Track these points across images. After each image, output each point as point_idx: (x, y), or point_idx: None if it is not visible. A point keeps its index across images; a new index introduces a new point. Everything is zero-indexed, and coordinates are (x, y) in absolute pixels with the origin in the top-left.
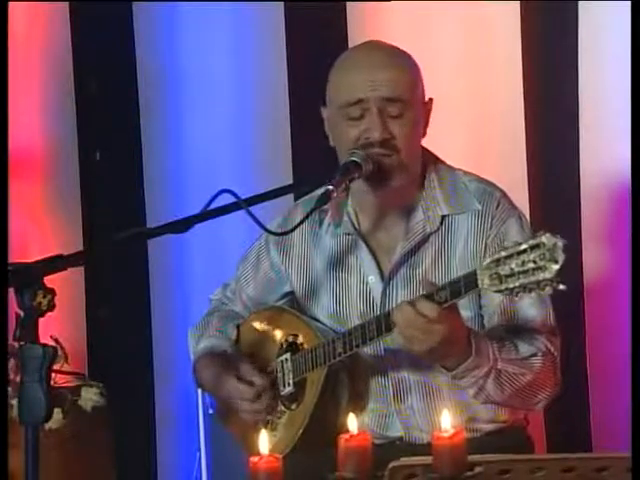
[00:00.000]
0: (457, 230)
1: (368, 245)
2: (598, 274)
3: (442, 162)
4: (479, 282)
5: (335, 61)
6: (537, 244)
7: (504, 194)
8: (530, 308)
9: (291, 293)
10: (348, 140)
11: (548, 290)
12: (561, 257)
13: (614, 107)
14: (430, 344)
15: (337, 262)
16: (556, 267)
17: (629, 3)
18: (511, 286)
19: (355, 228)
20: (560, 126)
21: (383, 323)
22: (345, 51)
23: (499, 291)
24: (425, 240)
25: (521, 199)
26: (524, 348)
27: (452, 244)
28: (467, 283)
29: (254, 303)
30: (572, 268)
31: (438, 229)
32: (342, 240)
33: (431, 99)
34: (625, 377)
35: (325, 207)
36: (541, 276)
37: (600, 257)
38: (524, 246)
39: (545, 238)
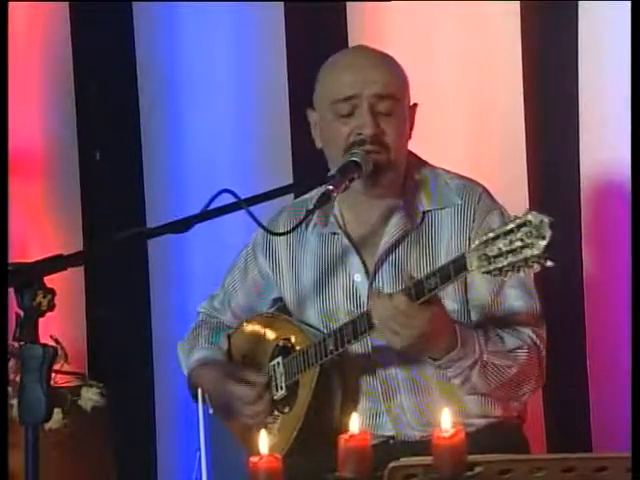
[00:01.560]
0: (440, 225)
1: (353, 244)
2: (598, 274)
3: (423, 161)
4: (468, 264)
5: (324, 64)
6: (524, 222)
7: (485, 189)
8: (517, 300)
9: (280, 299)
10: (339, 137)
11: (536, 267)
12: (548, 233)
13: (614, 107)
14: (410, 339)
15: (324, 262)
16: (543, 243)
17: (629, 3)
18: (499, 265)
19: (341, 227)
20: (560, 126)
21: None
22: (334, 55)
23: (488, 272)
24: (407, 236)
25: (521, 199)
26: (510, 340)
27: (435, 239)
28: (456, 267)
29: (243, 311)
30: (572, 268)
31: (420, 225)
32: (328, 240)
33: (416, 104)
34: (625, 377)
35: (309, 208)
36: (529, 253)
37: (600, 257)
38: (511, 225)
39: (531, 216)
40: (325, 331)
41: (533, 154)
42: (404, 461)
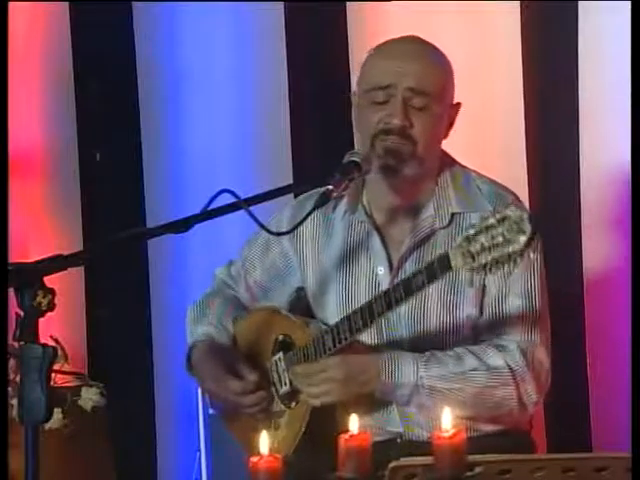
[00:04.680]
0: (468, 228)
1: (380, 234)
2: (598, 273)
3: (457, 163)
4: (452, 262)
5: (371, 49)
6: (503, 217)
7: (517, 198)
8: (516, 306)
9: (302, 289)
10: (369, 123)
11: (519, 262)
12: (528, 227)
13: (614, 107)
14: (332, 390)
15: (348, 250)
16: (524, 238)
17: (629, 3)
18: (483, 261)
19: (368, 216)
20: (560, 126)
21: (367, 314)
22: (382, 41)
23: (472, 269)
24: (433, 235)
25: (521, 198)
26: (470, 362)
27: None
28: (441, 265)
29: (259, 288)
30: (572, 267)
31: (447, 226)
32: (355, 227)
33: (459, 103)
34: (625, 377)
35: (343, 192)
36: (510, 248)
37: (600, 256)
38: (491, 220)
39: (510, 210)
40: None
41: (533, 154)
42: (404, 461)
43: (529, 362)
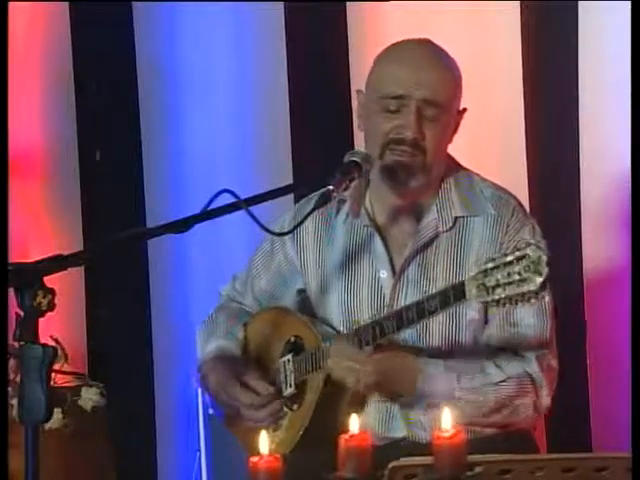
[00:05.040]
0: (471, 232)
1: (383, 238)
2: (598, 274)
3: (461, 166)
4: (467, 293)
5: (383, 50)
6: (523, 255)
7: (519, 203)
8: (528, 325)
9: (304, 291)
10: (380, 131)
11: (533, 302)
12: (545, 270)
13: (614, 107)
14: (362, 385)
15: (350, 254)
16: (540, 280)
17: (629, 3)
18: (497, 297)
19: (371, 220)
20: (560, 126)
21: (378, 331)
22: (394, 42)
23: (485, 302)
24: (436, 238)
25: (521, 199)
26: (495, 373)
27: (465, 245)
28: (456, 293)
29: (266, 297)
30: (572, 268)
31: (451, 229)
32: (358, 231)
33: (465, 109)
34: (625, 377)
35: (344, 195)
36: (525, 288)
37: (600, 257)
38: (510, 257)
39: (530, 250)
40: (345, 322)
41: (533, 154)
42: (404, 461)
43: (544, 369)
